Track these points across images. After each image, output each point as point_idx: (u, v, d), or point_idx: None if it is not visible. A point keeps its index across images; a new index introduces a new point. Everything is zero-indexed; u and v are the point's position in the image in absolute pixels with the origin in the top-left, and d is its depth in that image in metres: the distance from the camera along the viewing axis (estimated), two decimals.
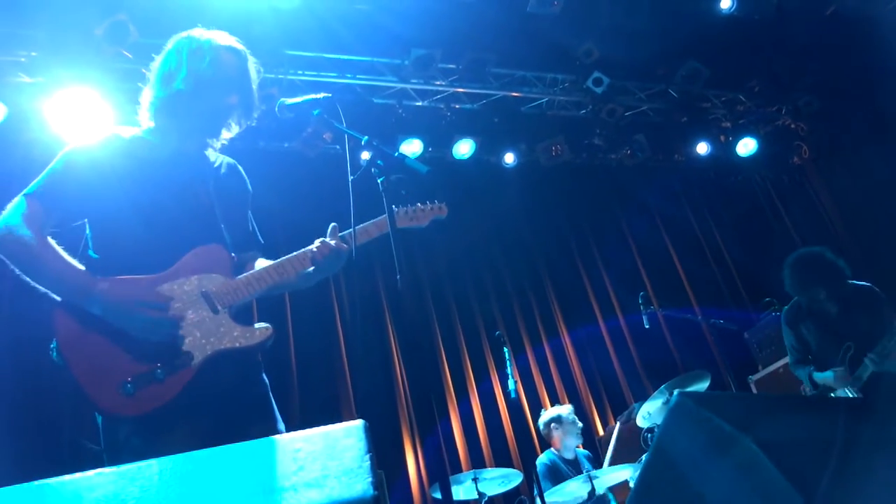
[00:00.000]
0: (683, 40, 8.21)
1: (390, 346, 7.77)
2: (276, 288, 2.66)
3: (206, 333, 2.37)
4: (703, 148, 9.17)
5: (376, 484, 1.44)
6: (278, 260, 2.64)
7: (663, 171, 9.66)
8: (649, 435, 5.83)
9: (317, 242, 2.69)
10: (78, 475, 1.39)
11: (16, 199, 2.42)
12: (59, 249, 2.37)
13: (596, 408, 8.40)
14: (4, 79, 6.03)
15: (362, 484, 1.44)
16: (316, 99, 2.80)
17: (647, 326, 6.26)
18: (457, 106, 8.06)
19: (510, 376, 5.50)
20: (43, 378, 5.67)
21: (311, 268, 2.68)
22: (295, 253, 2.67)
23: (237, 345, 2.40)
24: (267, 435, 1.52)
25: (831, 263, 5.05)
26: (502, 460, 7.37)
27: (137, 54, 6.41)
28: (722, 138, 9.38)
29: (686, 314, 7.21)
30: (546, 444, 6.65)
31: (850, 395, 4.83)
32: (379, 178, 2.65)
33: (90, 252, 2.48)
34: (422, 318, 8.03)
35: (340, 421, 1.58)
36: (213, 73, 2.63)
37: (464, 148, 8.10)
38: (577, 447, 6.48)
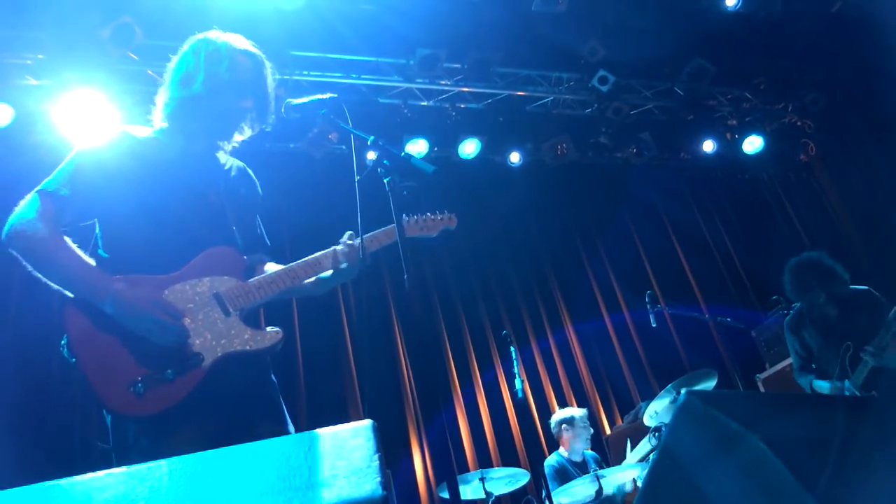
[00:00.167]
0: (689, 38, 8.19)
1: (397, 345, 7.78)
2: (288, 293, 2.66)
3: (217, 335, 2.37)
4: (709, 146, 9.15)
5: (385, 484, 1.44)
6: (291, 265, 2.65)
7: (669, 170, 9.64)
8: (656, 434, 5.82)
9: (339, 246, 2.70)
10: (88, 476, 1.39)
11: (29, 196, 2.42)
12: (74, 247, 2.37)
13: (603, 407, 8.38)
14: (11, 81, 6.06)
15: (371, 484, 1.44)
16: (322, 99, 2.79)
17: (653, 325, 6.25)
18: (462, 105, 8.06)
19: (517, 376, 5.49)
20: (52, 377, 5.70)
21: (326, 272, 2.68)
22: (308, 258, 2.68)
23: (248, 348, 2.40)
24: (276, 436, 1.52)
25: (829, 267, 5.12)
26: (509, 460, 7.36)
27: (143, 56, 6.44)
28: (728, 136, 9.35)
29: (693, 312, 7.20)
30: (554, 443, 6.65)
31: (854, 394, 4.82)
32: (385, 178, 2.65)
33: (100, 251, 2.48)
34: (428, 318, 8.04)
35: (348, 421, 1.59)
36: (231, 77, 2.64)
37: (469, 147, 8.10)
38: (587, 450, 6.47)
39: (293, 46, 6.85)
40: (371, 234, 2.79)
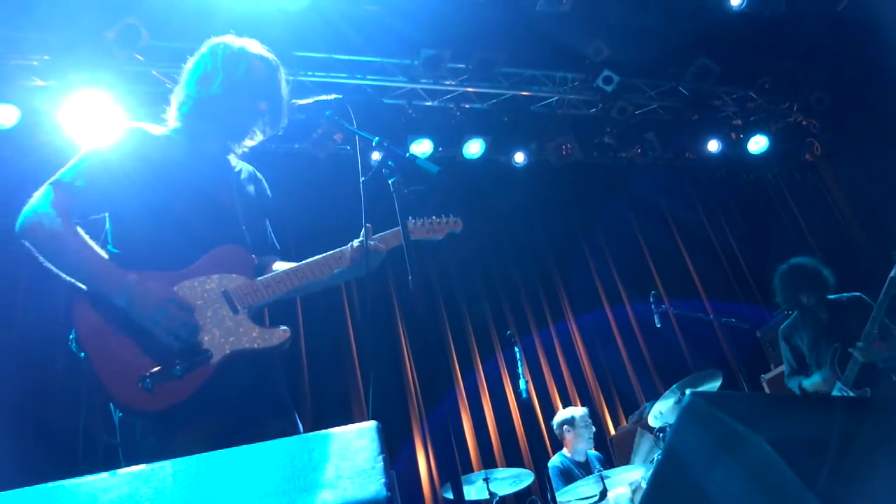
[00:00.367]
0: (693, 37, 8.17)
1: (401, 345, 7.78)
2: (297, 291, 2.68)
3: (226, 332, 2.39)
4: (714, 146, 9.14)
5: (389, 485, 1.45)
6: (299, 264, 2.67)
7: (674, 170, 9.63)
8: (661, 434, 5.81)
9: (354, 242, 2.71)
10: (92, 477, 1.40)
11: (43, 188, 2.44)
12: (88, 238, 2.38)
13: (607, 407, 8.38)
14: (18, 82, 6.08)
15: (375, 485, 1.44)
16: (326, 100, 2.81)
17: (658, 325, 6.25)
18: (466, 106, 8.06)
19: (521, 376, 5.49)
20: (56, 378, 5.72)
21: (336, 270, 2.69)
22: (317, 258, 2.69)
23: (256, 345, 2.42)
24: (284, 434, 1.53)
25: (817, 272, 5.25)
26: (513, 460, 7.36)
27: (149, 57, 6.46)
28: (733, 136, 9.34)
29: (697, 313, 7.19)
30: (558, 444, 6.65)
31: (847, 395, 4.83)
32: (390, 178, 2.66)
33: (109, 247, 2.50)
34: (432, 318, 8.04)
35: (352, 422, 1.59)
36: (249, 80, 2.69)
37: (474, 147, 8.10)
38: (590, 450, 6.47)
39: (298, 47, 6.85)
40: (380, 235, 2.80)
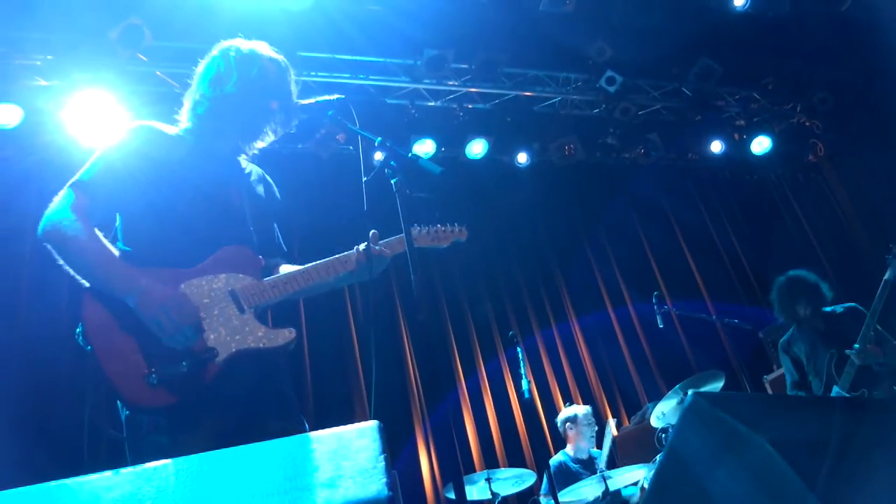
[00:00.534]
0: (697, 38, 8.17)
1: (403, 345, 7.78)
2: (302, 293, 2.71)
3: (232, 331, 2.41)
4: (717, 146, 9.13)
5: (391, 484, 1.45)
6: (306, 266, 2.70)
7: (677, 170, 9.63)
8: (663, 435, 5.81)
9: (360, 247, 2.75)
10: (95, 475, 1.40)
11: (63, 191, 2.49)
12: (105, 241, 2.44)
13: (609, 408, 8.37)
14: (21, 82, 6.09)
15: (377, 484, 1.44)
16: (329, 100, 2.82)
17: (661, 326, 6.24)
18: (469, 106, 8.06)
19: (524, 376, 5.50)
20: (60, 377, 5.72)
21: (342, 272, 2.73)
22: (323, 260, 2.72)
23: (261, 345, 2.44)
24: (288, 433, 1.53)
25: (813, 283, 5.33)
26: (516, 460, 7.36)
27: (152, 57, 6.46)
28: (736, 136, 9.34)
29: (700, 314, 7.18)
30: (560, 444, 6.65)
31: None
32: (392, 178, 2.67)
33: (119, 244, 2.53)
34: (435, 318, 8.04)
35: (354, 421, 1.59)
36: (262, 80, 2.74)
37: (477, 148, 8.10)
38: (592, 448, 6.47)
39: (301, 47, 6.85)
40: (385, 240, 2.82)
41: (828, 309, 5.29)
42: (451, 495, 5.71)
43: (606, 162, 9.04)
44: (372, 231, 2.78)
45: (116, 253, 2.44)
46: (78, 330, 2.30)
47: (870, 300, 5.02)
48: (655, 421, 5.81)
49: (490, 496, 5.57)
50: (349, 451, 1.47)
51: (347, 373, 7.32)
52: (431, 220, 3.06)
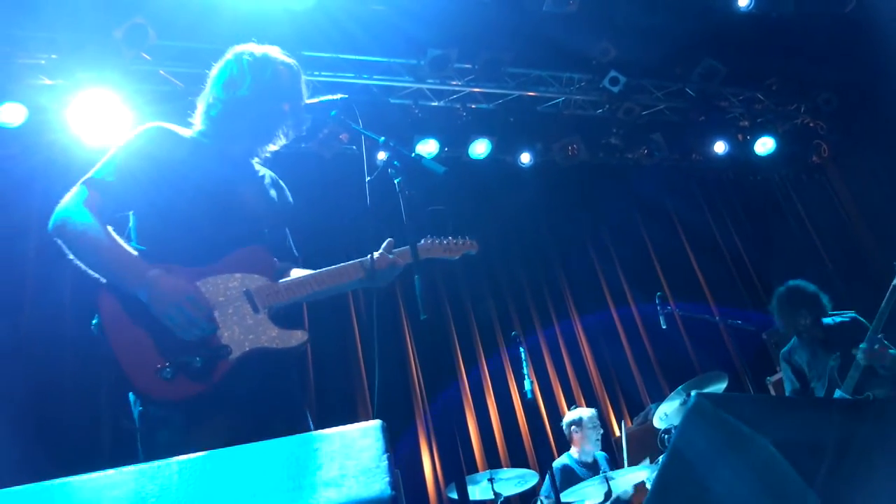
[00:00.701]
0: (700, 38, 8.16)
1: (406, 345, 7.78)
2: (315, 296, 2.73)
3: (246, 330, 2.44)
4: (720, 147, 9.11)
5: (394, 484, 1.45)
6: (320, 271, 2.72)
7: (680, 171, 9.61)
8: (666, 436, 5.81)
9: (375, 255, 2.78)
10: (98, 473, 1.41)
11: (76, 187, 2.51)
12: (117, 236, 2.45)
13: (612, 408, 8.37)
14: (25, 81, 6.10)
15: (380, 484, 1.44)
16: (332, 100, 2.83)
17: (664, 327, 6.23)
18: (473, 106, 8.05)
19: (526, 376, 5.49)
20: (65, 372, 5.74)
21: (355, 278, 2.77)
22: (337, 266, 2.75)
23: (274, 345, 2.46)
24: (294, 433, 1.53)
25: (813, 293, 5.37)
26: (518, 461, 7.36)
27: (156, 56, 6.47)
28: (740, 137, 9.31)
29: (703, 314, 7.17)
30: (563, 445, 6.65)
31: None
32: (396, 178, 2.68)
33: (133, 244, 2.55)
34: (438, 318, 8.04)
35: (356, 421, 1.59)
36: (275, 83, 2.77)
37: (480, 148, 8.09)
38: (597, 451, 6.46)
39: (304, 47, 6.84)
40: (399, 249, 2.85)
41: (828, 320, 5.31)
42: (454, 495, 5.71)
43: (610, 162, 9.03)
44: (388, 239, 2.83)
45: (131, 251, 2.45)
46: (94, 322, 2.34)
47: (874, 302, 5.02)
48: (658, 422, 5.81)
49: (493, 496, 5.57)
50: (353, 450, 1.47)
51: (350, 372, 7.33)
52: (444, 231, 3.08)
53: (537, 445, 7.68)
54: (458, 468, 6.18)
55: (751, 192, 10.19)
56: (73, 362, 5.82)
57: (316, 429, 1.60)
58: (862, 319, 5.16)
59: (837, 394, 4.88)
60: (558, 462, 6.34)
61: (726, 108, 9.23)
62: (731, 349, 8.35)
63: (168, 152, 2.61)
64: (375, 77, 7.43)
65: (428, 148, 7.67)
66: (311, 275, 2.71)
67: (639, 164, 9.07)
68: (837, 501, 1.93)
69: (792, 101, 9.50)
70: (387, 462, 1.46)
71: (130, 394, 2.38)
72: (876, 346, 4.72)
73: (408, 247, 2.83)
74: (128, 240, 2.55)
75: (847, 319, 5.28)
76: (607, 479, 5.52)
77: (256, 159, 2.92)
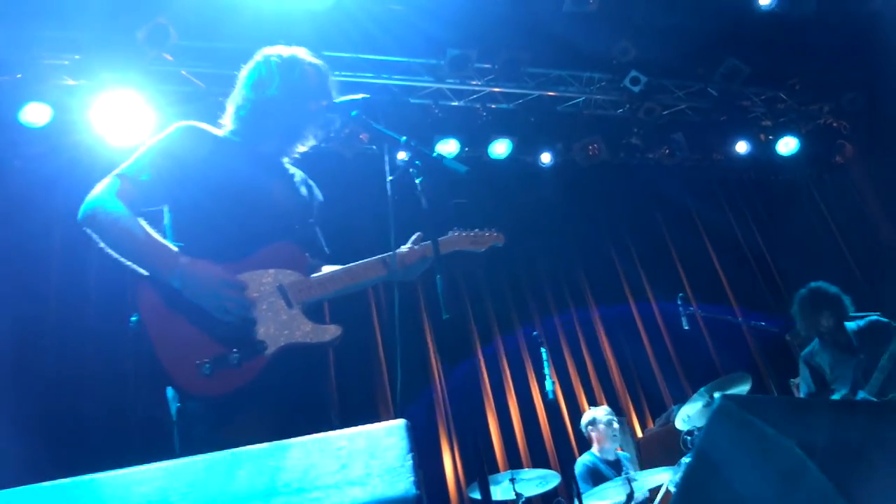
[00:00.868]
0: (722, 38, 8.10)
1: (427, 344, 7.78)
2: (347, 290, 2.75)
3: (280, 326, 2.46)
4: (742, 147, 9.04)
5: (418, 483, 1.44)
6: (351, 265, 2.75)
7: (702, 171, 9.54)
8: (689, 438, 5.76)
9: (403, 248, 2.83)
10: (126, 470, 1.42)
11: (108, 179, 2.55)
12: (148, 226, 2.48)
13: (634, 409, 8.32)
14: (50, 81, 6.16)
15: (405, 483, 1.43)
16: (354, 99, 2.84)
17: (686, 327, 6.18)
18: (493, 106, 8.04)
19: (548, 377, 5.47)
20: (90, 366, 5.81)
21: (385, 273, 2.79)
22: (368, 259, 2.78)
23: (308, 340, 2.49)
24: (319, 430, 1.54)
25: (836, 295, 5.33)
26: (540, 461, 7.34)
27: (178, 56, 6.52)
28: (762, 137, 9.24)
29: (725, 315, 7.11)
30: (584, 445, 6.62)
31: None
32: (417, 178, 2.67)
33: (169, 240, 2.58)
34: (459, 317, 8.03)
35: (377, 420, 1.59)
36: (303, 83, 2.81)
37: (500, 148, 8.07)
38: (618, 449, 6.43)
39: (324, 47, 6.82)
40: (427, 242, 2.88)
41: (851, 323, 5.27)
42: (475, 495, 5.70)
43: (630, 162, 8.98)
44: (417, 234, 2.87)
45: (163, 240, 2.48)
46: (133, 318, 2.36)
47: (883, 319, 5.02)
48: (680, 423, 5.77)
49: (514, 496, 5.55)
50: (377, 449, 1.47)
51: (371, 372, 7.34)
52: (469, 224, 3.10)
53: (559, 446, 7.65)
54: (479, 468, 6.18)
55: (773, 193, 10.09)
56: (97, 356, 5.88)
57: (338, 427, 1.60)
58: (885, 320, 5.11)
59: (860, 395, 4.83)
60: (582, 460, 6.30)
61: (748, 107, 9.17)
62: (754, 350, 8.28)
63: (199, 150, 2.65)
64: (395, 77, 7.45)
65: (448, 148, 7.67)
66: (342, 269, 2.74)
67: (660, 164, 9.01)
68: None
69: (815, 100, 9.40)
70: (411, 461, 1.46)
71: (169, 389, 2.42)
72: None
73: (441, 238, 2.91)
74: (163, 236, 2.58)
75: (871, 321, 5.24)
76: (630, 481, 5.49)
77: (286, 158, 2.95)
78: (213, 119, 2.92)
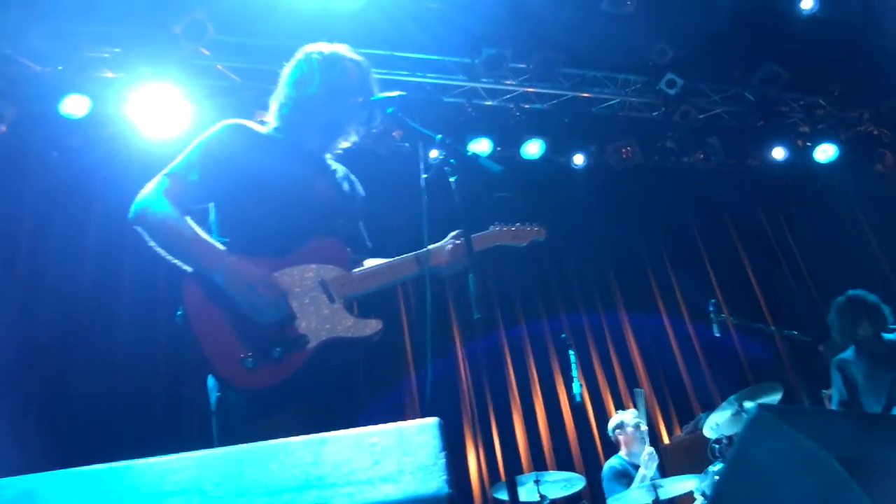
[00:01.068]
0: (761, 41, 8.00)
1: (455, 344, 7.77)
2: (389, 285, 2.78)
3: (322, 320, 2.49)
4: (779, 153, 8.91)
5: (451, 482, 1.43)
6: (392, 260, 2.77)
7: (737, 176, 9.40)
8: (717, 446, 5.69)
9: (447, 244, 2.84)
10: (162, 458, 1.42)
11: (157, 178, 2.61)
12: (195, 225, 2.54)
13: (662, 416, 8.24)
14: (90, 73, 6.25)
15: (437, 481, 1.42)
16: (391, 97, 2.84)
17: (717, 335, 6.09)
18: (526, 106, 8.02)
19: (575, 379, 5.44)
20: (126, 356, 5.92)
21: (417, 270, 2.80)
22: (410, 254, 2.79)
23: (350, 334, 2.52)
24: (354, 425, 1.54)
25: (875, 303, 5.20)
26: (565, 464, 7.29)
27: (214, 51, 6.58)
28: (800, 143, 9.11)
29: (758, 323, 7.00)
30: (611, 449, 6.57)
31: None
32: (451, 177, 2.66)
33: (215, 236, 2.63)
34: (487, 317, 8.01)
35: (402, 417, 1.58)
36: (344, 80, 2.83)
37: (533, 148, 8.03)
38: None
39: (360, 44, 6.82)
40: (462, 241, 2.85)
41: (890, 336, 5.14)
42: (499, 495, 5.68)
43: (665, 166, 8.89)
44: (454, 231, 2.87)
45: (209, 239, 2.53)
46: (178, 313, 2.41)
47: None
48: (709, 431, 5.70)
49: (538, 498, 5.53)
50: (410, 446, 1.46)
51: (398, 371, 7.34)
52: (511, 218, 3.09)
53: (585, 449, 7.60)
54: (507, 468, 6.18)
55: (810, 200, 9.91)
56: (130, 345, 5.97)
57: (366, 424, 1.60)
58: None
59: (895, 411, 4.73)
60: (611, 463, 6.24)
61: (786, 113, 9.04)
62: (786, 360, 8.16)
63: (244, 148, 2.70)
64: (429, 75, 7.46)
65: (480, 147, 7.65)
66: (384, 264, 2.76)
67: (694, 168, 8.92)
68: None
69: (855, 107, 9.24)
70: (444, 459, 1.45)
71: (210, 378, 2.47)
72: None
73: (477, 234, 2.90)
74: (209, 232, 2.62)
75: None
76: (655, 486, 5.43)
77: (329, 155, 2.98)
78: (249, 113, 2.95)
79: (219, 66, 6.71)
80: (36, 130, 6.30)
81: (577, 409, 7.46)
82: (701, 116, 8.62)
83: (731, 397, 5.56)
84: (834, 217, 9.87)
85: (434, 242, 2.82)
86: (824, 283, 9.14)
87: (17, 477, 1.40)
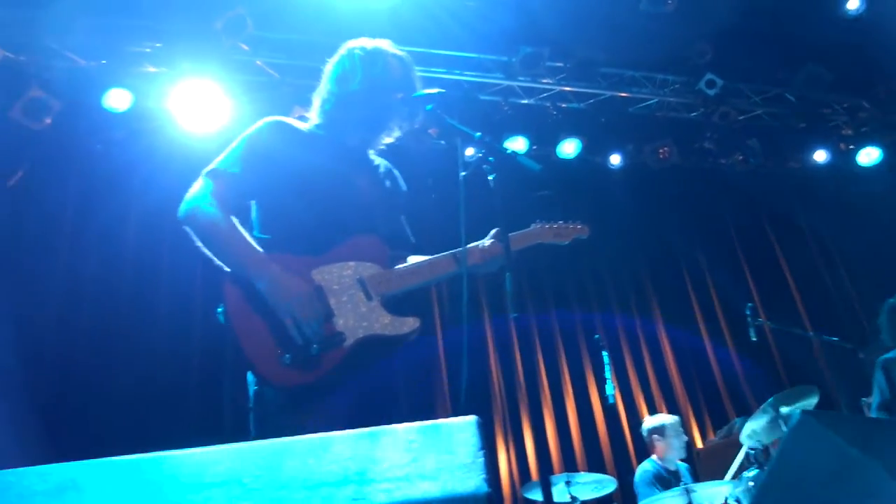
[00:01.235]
0: (804, 42, 7.84)
1: (487, 343, 7.76)
2: (428, 283, 2.78)
3: (359, 318, 2.49)
4: (821, 156, 8.76)
5: (490, 480, 1.42)
6: (432, 258, 2.76)
7: (777, 179, 9.25)
8: (752, 452, 5.60)
9: (486, 242, 2.82)
10: (201, 449, 1.43)
11: (201, 179, 2.63)
12: (241, 228, 2.55)
13: (695, 419, 8.14)
14: (131, 68, 6.34)
15: (476, 480, 1.42)
16: (430, 94, 2.83)
17: (753, 339, 6.01)
18: (563, 105, 7.97)
19: (608, 380, 5.39)
20: (162, 353, 6.01)
21: (455, 268, 2.77)
22: (449, 252, 2.78)
23: (387, 332, 2.52)
24: (391, 422, 1.54)
25: None
26: (596, 465, 7.24)
27: (253, 47, 6.64)
28: (842, 146, 8.93)
29: (795, 328, 6.88)
30: (642, 452, 6.49)
31: None
32: (490, 175, 2.64)
33: (256, 232, 2.65)
34: (519, 317, 7.97)
35: (434, 416, 1.58)
36: (386, 76, 2.82)
37: (569, 147, 7.98)
38: (679, 460, 6.28)
39: (397, 40, 6.86)
40: (515, 233, 2.87)
41: None
42: (530, 495, 5.66)
43: (702, 167, 8.79)
44: (495, 229, 2.84)
45: (253, 242, 2.54)
46: (219, 310, 2.45)
47: None
48: (746, 439, 5.60)
49: (569, 499, 5.49)
50: (450, 444, 1.45)
51: (430, 369, 7.34)
52: (553, 216, 3.06)
53: (616, 451, 7.54)
54: (539, 468, 6.14)
55: (852, 205, 9.69)
56: (167, 337, 6.06)
57: (400, 422, 1.60)
58: None
59: None
60: (644, 467, 6.16)
61: (828, 115, 8.87)
62: (824, 366, 8.00)
63: (286, 145, 2.70)
64: (466, 73, 7.44)
65: (516, 145, 7.63)
66: (424, 262, 2.74)
67: (733, 170, 8.79)
68: None
69: None
70: (483, 458, 1.44)
71: (249, 373, 2.48)
72: None
73: (517, 233, 2.89)
74: (251, 229, 2.64)
75: None
76: (688, 491, 5.36)
77: (372, 150, 2.97)
78: (287, 109, 2.96)
79: (258, 62, 6.76)
80: (80, 123, 6.42)
81: (610, 411, 7.40)
82: (741, 118, 8.50)
83: (767, 403, 5.46)
84: (876, 223, 9.65)
85: (471, 241, 2.80)
86: (865, 288, 8.97)
87: (61, 464, 1.42)
